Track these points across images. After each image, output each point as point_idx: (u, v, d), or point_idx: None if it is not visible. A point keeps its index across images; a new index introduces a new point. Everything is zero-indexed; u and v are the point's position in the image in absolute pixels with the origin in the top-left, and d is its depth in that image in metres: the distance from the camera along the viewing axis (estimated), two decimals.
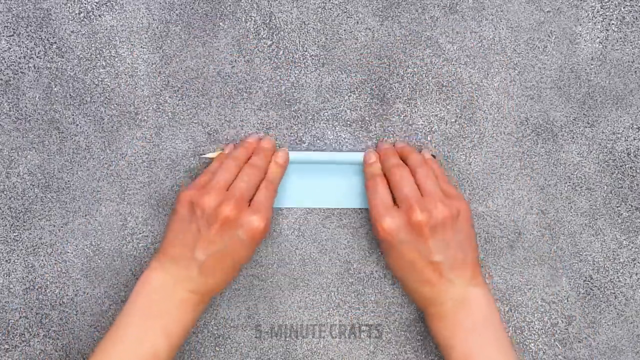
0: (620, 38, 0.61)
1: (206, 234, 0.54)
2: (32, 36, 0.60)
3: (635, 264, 0.61)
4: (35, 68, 0.60)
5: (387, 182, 0.57)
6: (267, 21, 0.60)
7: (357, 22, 0.61)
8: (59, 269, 0.61)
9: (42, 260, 0.61)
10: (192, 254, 0.54)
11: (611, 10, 0.61)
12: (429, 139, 0.61)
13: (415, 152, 0.58)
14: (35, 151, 0.60)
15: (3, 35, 0.60)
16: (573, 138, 0.61)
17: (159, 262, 0.55)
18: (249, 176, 0.56)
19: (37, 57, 0.60)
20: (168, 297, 0.54)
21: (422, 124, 0.61)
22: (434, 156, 0.60)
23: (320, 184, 0.60)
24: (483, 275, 0.56)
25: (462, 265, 0.54)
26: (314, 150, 0.61)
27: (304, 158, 0.59)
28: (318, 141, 0.61)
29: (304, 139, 0.61)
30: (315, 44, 0.61)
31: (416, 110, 0.61)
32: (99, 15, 0.60)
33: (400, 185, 0.55)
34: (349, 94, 0.61)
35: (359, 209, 0.61)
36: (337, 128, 0.61)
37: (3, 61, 0.60)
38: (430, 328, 0.55)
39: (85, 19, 0.60)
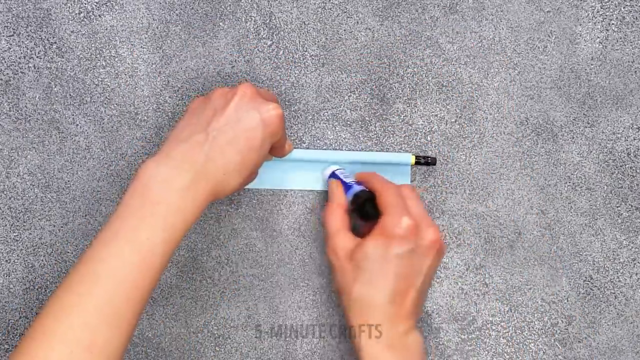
0: (620, 38, 0.61)
1: (222, 109, 0.50)
2: (32, 36, 0.60)
3: (635, 264, 0.61)
4: (35, 68, 0.60)
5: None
6: (267, 21, 0.60)
7: (357, 22, 0.61)
8: (59, 269, 0.61)
9: (42, 260, 0.61)
10: (206, 128, 0.49)
11: (611, 10, 0.61)
12: (429, 138, 0.61)
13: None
14: (35, 151, 0.60)
15: (3, 35, 0.60)
16: (573, 138, 0.61)
17: (161, 151, 0.49)
18: (261, 89, 0.54)
19: (37, 57, 0.60)
20: (168, 183, 0.47)
21: (422, 124, 0.61)
22: (429, 159, 0.60)
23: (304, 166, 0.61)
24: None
25: (421, 303, 0.55)
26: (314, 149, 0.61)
27: (308, 156, 0.59)
28: (318, 141, 0.61)
29: (304, 139, 0.61)
30: (315, 44, 0.61)
31: (416, 110, 0.61)
32: (99, 15, 0.60)
33: (406, 205, 0.55)
34: (349, 94, 0.61)
35: None
36: (337, 128, 0.61)
37: (3, 61, 0.60)
38: (367, 349, 0.52)
39: (85, 19, 0.60)
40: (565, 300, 0.61)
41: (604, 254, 0.61)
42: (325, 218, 0.56)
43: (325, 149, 0.61)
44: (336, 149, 0.61)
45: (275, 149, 0.54)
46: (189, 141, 0.49)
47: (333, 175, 0.59)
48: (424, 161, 0.60)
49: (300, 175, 0.61)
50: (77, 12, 0.60)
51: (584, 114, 0.61)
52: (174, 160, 0.48)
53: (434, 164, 0.60)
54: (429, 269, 0.53)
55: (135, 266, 0.46)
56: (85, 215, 0.61)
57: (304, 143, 0.61)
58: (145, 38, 0.60)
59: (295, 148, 0.61)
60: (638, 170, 0.61)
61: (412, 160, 0.59)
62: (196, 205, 0.48)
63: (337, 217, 0.56)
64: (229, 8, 0.60)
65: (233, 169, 0.49)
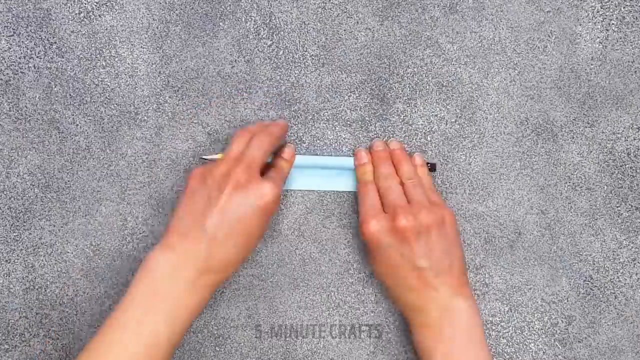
0: (620, 38, 0.61)
1: (216, 200, 0.51)
2: (32, 36, 0.60)
3: (635, 264, 0.61)
4: (35, 68, 0.60)
5: (377, 189, 0.58)
6: (267, 21, 0.60)
7: (357, 22, 0.61)
8: (59, 269, 0.61)
9: (42, 260, 0.61)
10: (202, 223, 0.51)
11: (611, 10, 0.61)
12: (429, 138, 0.61)
13: (407, 161, 0.58)
14: (35, 151, 0.60)
15: (3, 35, 0.60)
16: (573, 138, 0.61)
17: (165, 241, 0.52)
18: (262, 142, 0.55)
19: (37, 57, 0.60)
20: (173, 277, 0.50)
21: (422, 124, 0.61)
22: (429, 165, 0.60)
23: (316, 171, 0.61)
24: (470, 287, 0.56)
25: (447, 273, 0.54)
26: (311, 155, 0.61)
27: (302, 162, 0.59)
28: (318, 141, 0.61)
29: (304, 139, 0.61)
30: (315, 44, 0.61)
31: (416, 110, 0.61)
32: (99, 15, 0.60)
33: (387, 193, 0.56)
34: (349, 94, 0.61)
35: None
36: (337, 128, 0.61)
37: (3, 61, 0.60)
38: (413, 337, 0.55)
39: (85, 19, 0.60)
40: (565, 300, 0.61)
41: (604, 254, 0.61)
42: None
43: (324, 150, 0.61)
44: (336, 149, 0.61)
45: None
46: (188, 236, 0.51)
47: None
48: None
49: (300, 176, 0.61)
50: (77, 12, 0.60)
51: (584, 114, 0.61)
52: (178, 255, 0.51)
53: (434, 170, 0.60)
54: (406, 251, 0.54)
55: (140, 356, 0.48)
56: (85, 215, 0.61)
57: (304, 143, 0.61)
58: (145, 38, 0.60)
59: (295, 148, 0.61)
60: (638, 170, 0.61)
61: None
62: (201, 298, 0.51)
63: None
64: (229, 8, 0.60)
65: (235, 259, 0.53)
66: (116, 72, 0.60)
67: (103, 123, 0.61)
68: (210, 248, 0.51)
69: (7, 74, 0.60)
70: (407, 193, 0.56)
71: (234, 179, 0.52)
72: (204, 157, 0.59)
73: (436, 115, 0.61)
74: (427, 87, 0.61)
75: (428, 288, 0.53)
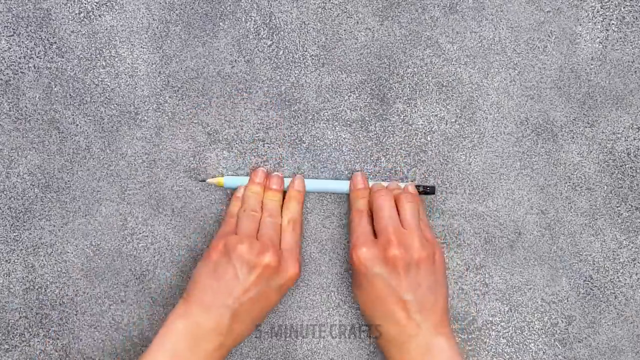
0: (620, 38, 0.61)
1: (244, 281, 0.54)
2: (32, 36, 0.60)
3: (635, 264, 0.61)
4: (35, 68, 0.60)
5: (370, 214, 0.57)
6: (267, 21, 0.60)
7: (357, 22, 0.61)
8: (59, 269, 0.61)
9: (42, 260, 0.61)
10: (227, 301, 0.53)
11: (611, 10, 0.61)
12: (429, 138, 0.61)
13: (405, 192, 0.58)
14: (35, 151, 0.60)
15: (3, 35, 0.60)
16: (573, 138, 0.61)
17: (187, 309, 0.54)
18: (272, 223, 0.57)
19: (37, 57, 0.60)
20: (194, 348, 0.53)
21: (422, 124, 0.61)
22: (428, 188, 0.59)
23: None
24: (451, 327, 0.56)
25: (430, 309, 0.53)
26: (308, 179, 0.60)
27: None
28: (318, 141, 0.61)
29: (304, 139, 0.61)
30: (315, 44, 0.61)
31: (416, 110, 0.61)
32: (99, 15, 0.60)
33: (379, 217, 0.56)
34: (349, 94, 0.61)
35: None
36: (337, 128, 0.61)
37: (3, 61, 0.60)
38: None
39: (85, 19, 0.60)
40: (565, 300, 0.61)
41: (604, 254, 0.61)
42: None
43: (315, 177, 0.61)
44: (336, 149, 0.61)
45: None
46: (212, 311, 0.53)
47: None
48: (423, 190, 0.59)
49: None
50: (77, 12, 0.60)
51: (584, 114, 0.61)
52: (200, 328, 0.53)
53: (433, 193, 0.59)
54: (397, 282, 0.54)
55: None
56: (85, 215, 0.61)
57: (304, 143, 0.61)
58: (145, 38, 0.60)
59: (293, 149, 0.61)
60: (638, 170, 0.61)
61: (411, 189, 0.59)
62: None
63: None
64: (229, 8, 0.60)
65: (251, 330, 0.56)
66: (116, 72, 0.60)
67: (103, 123, 0.61)
68: (232, 324, 0.54)
69: (7, 74, 0.60)
70: (401, 215, 0.56)
71: (265, 263, 0.54)
72: (206, 181, 0.59)
73: (436, 115, 0.61)
74: (427, 87, 0.61)
75: (411, 323, 0.53)
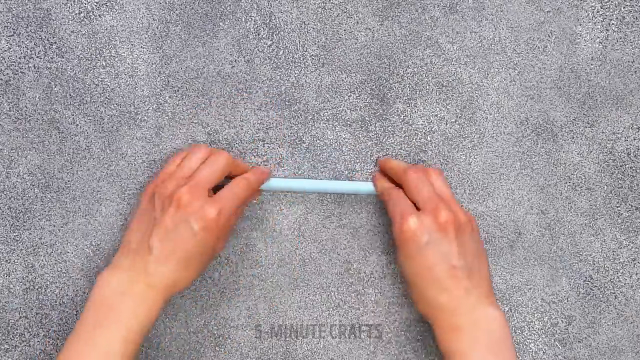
0: (620, 38, 0.61)
1: (161, 220, 0.53)
2: (32, 36, 0.60)
3: (635, 264, 0.61)
4: (35, 68, 0.60)
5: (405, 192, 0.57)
6: (267, 21, 0.60)
7: (357, 22, 0.61)
8: (59, 269, 0.61)
9: (42, 260, 0.61)
10: (148, 242, 0.53)
11: (611, 10, 0.61)
12: (429, 138, 0.61)
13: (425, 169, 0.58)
14: (35, 151, 0.60)
15: (3, 35, 0.60)
16: (573, 138, 0.61)
17: (114, 262, 0.54)
18: (216, 164, 0.55)
19: (37, 57, 0.60)
20: (124, 293, 0.52)
21: (422, 124, 0.61)
22: None
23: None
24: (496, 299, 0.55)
25: (478, 277, 0.53)
26: (324, 179, 0.60)
27: (308, 187, 0.60)
28: (318, 141, 0.61)
29: (304, 139, 0.61)
30: (315, 44, 0.61)
31: (416, 110, 0.61)
32: (99, 15, 0.60)
33: (418, 189, 0.55)
34: (349, 94, 0.61)
35: (360, 210, 0.61)
36: (337, 128, 0.61)
37: (3, 61, 0.60)
38: (441, 339, 0.53)
39: (85, 19, 0.60)
40: (565, 300, 0.61)
41: (604, 254, 0.61)
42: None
43: (303, 178, 0.61)
44: (336, 149, 0.61)
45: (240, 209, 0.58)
46: (137, 254, 0.53)
47: None
48: None
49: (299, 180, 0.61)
50: (77, 12, 0.60)
51: (584, 114, 0.61)
52: (127, 272, 0.52)
53: None
54: (456, 247, 0.53)
55: None
56: (85, 215, 0.61)
57: (304, 143, 0.61)
58: (145, 38, 0.60)
59: (293, 149, 0.61)
60: (638, 170, 0.61)
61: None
62: (151, 312, 0.52)
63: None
64: (229, 8, 0.60)
65: (180, 277, 0.53)
66: (116, 72, 0.60)
67: (103, 123, 0.61)
68: (156, 266, 0.52)
69: (7, 74, 0.60)
70: (437, 189, 0.56)
71: (176, 198, 0.53)
72: None
73: (436, 115, 0.61)
74: (427, 87, 0.61)
75: (460, 289, 0.52)
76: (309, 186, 0.60)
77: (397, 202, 0.55)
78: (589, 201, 0.61)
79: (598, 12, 0.61)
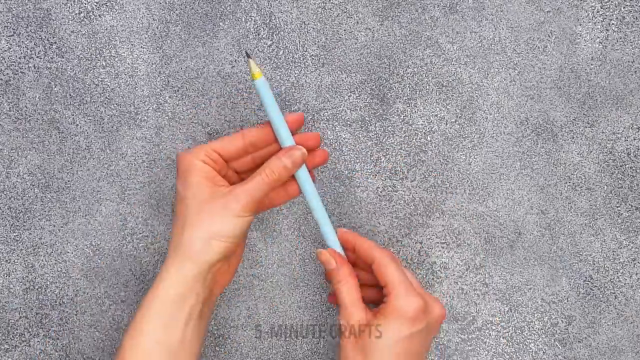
0: (620, 38, 0.61)
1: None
2: (32, 36, 0.60)
3: (635, 264, 0.61)
4: (35, 68, 0.60)
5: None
6: (267, 21, 0.60)
7: (357, 22, 0.61)
8: (59, 269, 0.61)
9: (42, 260, 0.61)
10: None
11: (611, 10, 0.61)
12: (429, 138, 0.61)
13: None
14: (35, 151, 0.60)
15: (3, 35, 0.60)
16: (573, 138, 0.61)
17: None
18: (244, 135, 0.54)
19: (37, 57, 0.60)
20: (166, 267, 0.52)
21: (422, 124, 0.61)
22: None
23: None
24: None
25: None
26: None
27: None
28: None
29: None
30: (315, 44, 0.61)
31: (416, 110, 0.61)
32: (99, 15, 0.60)
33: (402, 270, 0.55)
34: (349, 94, 0.61)
35: (360, 210, 0.61)
36: (337, 128, 0.61)
37: (3, 61, 0.60)
38: None
39: (85, 19, 0.60)
40: (565, 300, 0.61)
41: (604, 254, 0.61)
42: (341, 287, 0.53)
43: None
44: (336, 149, 0.61)
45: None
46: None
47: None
48: None
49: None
50: (77, 12, 0.60)
51: (584, 114, 0.61)
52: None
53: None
54: (431, 341, 0.55)
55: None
56: (85, 215, 0.61)
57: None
58: (145, 38, 0.60)
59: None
60: (638, 170, 0.61)
61: None
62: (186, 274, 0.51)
63: (353, 288, 0.53)
64: (229, 8, 0.60)
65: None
66: (116, 72, 0.60)
67: (103, 123, 0.61)
68: (181, 231, 0.52)
69: (7, 74, 0.60)
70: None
71: (181, 156, 0.53)
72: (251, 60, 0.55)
73: (436, 115, 0.61)
74: (427, 87, 0.61)
75: None
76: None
77: (397, 272, 0.52)
78: (589, 201, 0.61)
79: (598, 12, 0.61)
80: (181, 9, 0.60)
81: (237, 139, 0.53)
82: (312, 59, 0.61)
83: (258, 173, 0.52)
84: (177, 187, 0.52)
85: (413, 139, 0.61)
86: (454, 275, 0.61)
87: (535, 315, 0.61)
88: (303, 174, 0.54)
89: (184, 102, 0.61)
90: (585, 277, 0.61)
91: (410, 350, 0.51)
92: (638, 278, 0.61)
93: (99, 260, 0.61)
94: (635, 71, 0.61)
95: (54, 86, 0.60)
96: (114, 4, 0.60)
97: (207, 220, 0.50)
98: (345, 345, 0.51)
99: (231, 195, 0.51)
